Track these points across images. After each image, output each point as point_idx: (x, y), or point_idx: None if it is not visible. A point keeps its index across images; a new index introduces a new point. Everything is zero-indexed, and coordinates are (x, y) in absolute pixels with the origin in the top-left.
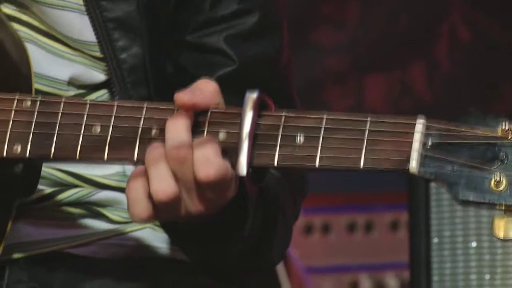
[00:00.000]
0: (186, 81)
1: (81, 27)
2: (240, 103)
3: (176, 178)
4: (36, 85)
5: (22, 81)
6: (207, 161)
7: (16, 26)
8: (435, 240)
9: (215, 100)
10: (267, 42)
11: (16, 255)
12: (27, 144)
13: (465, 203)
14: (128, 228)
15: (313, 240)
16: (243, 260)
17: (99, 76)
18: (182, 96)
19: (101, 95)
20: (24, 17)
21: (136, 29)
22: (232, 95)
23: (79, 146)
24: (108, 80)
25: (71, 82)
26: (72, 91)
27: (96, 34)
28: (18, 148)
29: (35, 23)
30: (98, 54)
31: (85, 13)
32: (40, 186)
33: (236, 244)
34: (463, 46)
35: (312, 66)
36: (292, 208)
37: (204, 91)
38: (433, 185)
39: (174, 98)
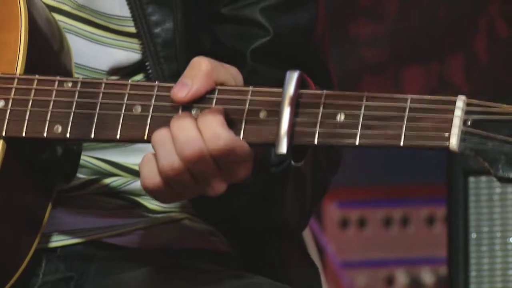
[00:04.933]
0: (222, 54)
1: (115, 2)
2: (276, 74)
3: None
4: (76, 75)
5: (62, 69)
6: (215, 135)
7: (55, 16)
8: (473, 235)
9: (211, 80)
10: (302, 13)
11: (53, 244)
12: (68, 124)
13: (505, 180)
14: (166, 218)
15: (349, 234)
16: (251, 215)
17: (135, 55)
18: (177, 94)
19: (137, 80)
20: (63, 7)
21: (170, 4)
22: (269, 66)
23: (120, 126)
24: (142, 60)
25: (110, 71)
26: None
27: (131, 8)
28: (58, 128)
29: (75, 11)
30: (132, 29)
31: None
32: (78, 175)
33: (239, 197)
34: (501, 40)
35: (350, 59)
36: (313, 164)
37: (197, 77)
38: (472, 179)
39: (171, 97)
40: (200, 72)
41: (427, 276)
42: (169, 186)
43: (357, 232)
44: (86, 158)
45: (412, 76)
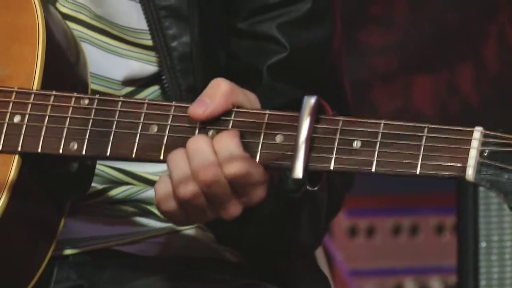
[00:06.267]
0: (238, 69)
1: (132, 14)
2: (292, 90)
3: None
4: (91, 85)
5: (78, 81)
6: (231, 158)
7: (72, 25)
8: (483, 244)
9: (229, 101)
10: (319, 30)
11: (66, 252)
12: (84, 141)
13: None
14: (177, 226)
15: (357, 242)
16: (266, 239)
17: (151, 68)
18: (194, 110)
19: (153, 91)
20: (80, 16)
21: (187, 18)
22: (285, 82)
23: (135, 145)
24: (158, 72)
25: (125, 81)
26: (125, 89)
27: (148, 21)
28: (74, 145)
29: (92, 21)
30: (149, 42)
31: (138, 0)
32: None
33: (256, 223)
34: (511, 47)
35: (359, 67)
36: (328, 188)
37: (215, 96)
38: (481, 189)
39: (188, 114)
40: (219, 92)
41: (435, 285)
42: (184, 209)
43: (365, 240)
44: (99, 166)
45: (422, 84)
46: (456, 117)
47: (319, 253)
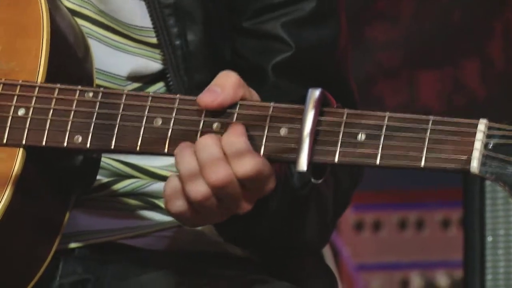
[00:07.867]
0: (243, 67)
1: (136, 12)
2: (298, 88)
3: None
4: (96, 81)
5: (83, 76)
6: (241, 158)
7: (78, 20)
8: (489, 238)
9: (238, 93)
10: (324, 28)
11: (71, 245)
12: (88, 134)
13: None
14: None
15: (364, 237)
16: (273, 237)
17: (155, 65)
18: (204, 99)
19: (158, 88)
20: (85, 11)
21: (191, 16)
22: (290, 81)
23: (140, 138)
24: (163, 70)
25: (130, 77)
26: (130, 86)
27: (152, 20)
28: (79, 138)
29: (96, 17)
30: (154, 40)
31: None
32: (97, 176)
33: (263, 220)
34: None
35: (365, 62)
36: (334, 186)
37: (225, 86)
38: (488, 183)
39: (197, 101)
40: (229, 82)
41: (442, 279)
42: (194, 209)
43: (372, 235)
44: (105, 160)
45: (427, 80)
46: (462, 112)
47: (326, 248)
